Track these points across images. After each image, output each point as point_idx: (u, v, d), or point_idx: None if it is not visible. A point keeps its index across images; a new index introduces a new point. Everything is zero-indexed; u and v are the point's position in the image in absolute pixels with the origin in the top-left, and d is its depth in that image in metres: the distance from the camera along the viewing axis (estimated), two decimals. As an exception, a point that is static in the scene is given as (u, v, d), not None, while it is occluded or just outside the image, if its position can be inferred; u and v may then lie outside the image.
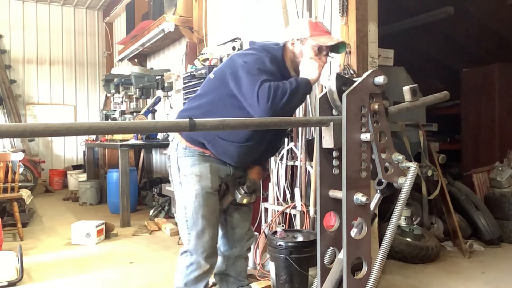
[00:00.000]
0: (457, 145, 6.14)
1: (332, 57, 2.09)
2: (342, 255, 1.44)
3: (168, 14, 5.39)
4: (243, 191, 2.18)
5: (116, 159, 5.98)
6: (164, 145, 5.26)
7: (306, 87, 1.91)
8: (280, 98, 1.80)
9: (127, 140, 5.36)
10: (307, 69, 1.96)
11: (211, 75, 2.11)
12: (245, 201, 2.19)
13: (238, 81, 1.91)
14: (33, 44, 8.63)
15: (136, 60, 7.41)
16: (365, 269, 1.42)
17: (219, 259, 2.33)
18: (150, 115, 5.56)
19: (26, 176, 6.92)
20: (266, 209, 3.40)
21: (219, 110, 1.97)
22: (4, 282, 2.99)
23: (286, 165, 3.37)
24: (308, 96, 3.24)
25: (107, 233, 4.37)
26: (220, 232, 2.31)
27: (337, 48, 2.01)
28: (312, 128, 3.01)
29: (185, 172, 2.08)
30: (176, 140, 2.14)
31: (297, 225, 3.13)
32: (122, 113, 5.91)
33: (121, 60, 7.64)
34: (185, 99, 4.54)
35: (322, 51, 1.97)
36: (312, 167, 3.12)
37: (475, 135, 5.81)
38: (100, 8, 9.30)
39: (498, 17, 5.76)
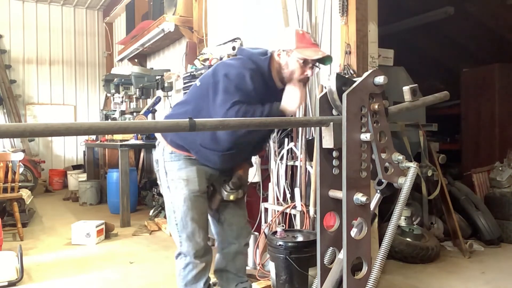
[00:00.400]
0: (457, 145, 6.13)
1: (319, 68, 2.08)
2: (342, 255, 1.44)
3: (168, 14, 5.39)
4: (228, 188, 2.19)
5: (116, 159, 5.98)
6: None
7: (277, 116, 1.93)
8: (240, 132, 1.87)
9: (127, 140, 5.36)
10: (289, 98, 1.97)
11: (197, 82, 2.12)
12: (231, 197, 2.20)
13: (214, 95, 1.95)
14: (33, 44, 8.63)
15: (136, 60, 7.41)
16: (365, 269, 1.42)
17: (219, 256, 2.36)
18: (150, 115, 5.56)
19: (26, 176, 6.92)
20: (266, 209, 3.40)
21: (204, 117, 1.97)
22: (4, 282, 2.99)
23: (286, 165, 3.37)
24: (308, 96, 3.24)
25: (107, 233, 4.37)
26: (218, 230, 2.34)
27: (322, 60, 2.00)
28: (312, 128, 3.01)
29: (173, 177, 2.10)
30: (162, 144, 2.16)
31: (297, 225, 3.13)
32: (122, 113, 5.91)
33: (121, 60, 7.64)
34: (185, 99, 4.53)
35: (308, 64, 1.97)
36: (312, 167, 3.12)
37: (475, 135, 5.81)
38: (100, 8, 9.30)
39: (498, 17, 5.76)
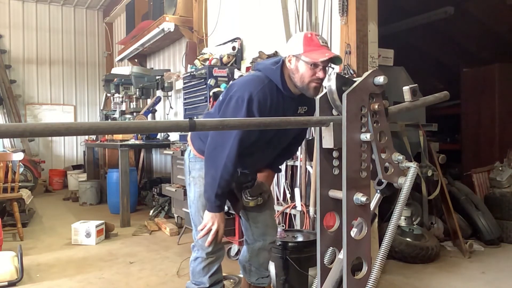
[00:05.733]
0: (457, 145, 6.13)
1: (333, 68, 2.09)
2: (342, 255, 1.44)
3: (168, 14, 5.39)
4: (248, 195, 2.26)
5: (116, 159, 5.98)
6: (164, 145, 5.26)
7: (210, 195, 2.01)
8: (213, 160, 1.98)
9: (127, 140, 5.36)
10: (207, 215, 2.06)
11: (220, 97, 2.19)
12: (251, 204, 2.27)
13: (222, 114, 2.03)
14: (33, 44, 8.63)
15: (136, 60, 7.41)
16: (365, 269, 1.42)
17: (244, 249, 2.45)
18: (150, 115, 5.56)
19: (26, 176, 6.92)
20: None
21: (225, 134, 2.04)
22: (4, 282, 2.99)
23: (286, 165, 3.37)
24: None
25: (107, 233, 4.37)
26: (245, 226, 2.43)
27: (333, 60, 2.00)
28: (312, 128, 3.01)
29: (194, 175, 2.25)
30: (189, 148, 2.33)
31: (297, 225, 3.14)
32: (122, 113, 5.91)
33: (121, 60, 7.64)
34: (185, 99, 4.54)
35: (318, 66, 1.97)
36: (312, 167, 3.12)
37: (475, 135, 5.81)
38: (100, 8, 9.30)
39: (498, 17, 5.76)
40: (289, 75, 2.04)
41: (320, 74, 1.97)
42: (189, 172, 2.28)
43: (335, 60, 1.98)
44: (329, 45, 2.74)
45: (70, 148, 8.95)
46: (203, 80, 4.12)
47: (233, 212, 2.50)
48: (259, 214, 2.36)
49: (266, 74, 2.05)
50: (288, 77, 2.04)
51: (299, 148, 3.20)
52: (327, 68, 2.01)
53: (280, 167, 2.52)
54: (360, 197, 1.39)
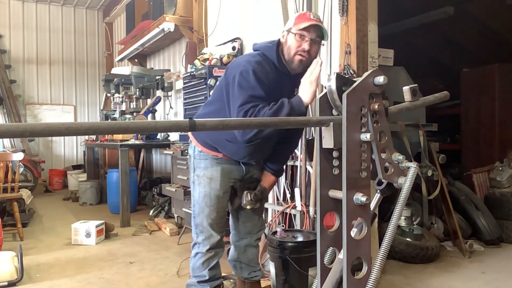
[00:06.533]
0: (457, 145, 6.13)
1: (323, 44, 2.13)
2: (342, 255, 1.44)
3: (168, 14, 5.39)
4: (249, 198, 2.27)
5: (116, 159, 5.98)
6: (164, 145, 5.26)
7: (291, 110, 1.89)
8: (251, 131, 1.91)
9: (127, 140, 5.36)
10: (303, 91, 1.96)
11: (218, 83, 2.22)
12: (248, 207, 2.30)
13: (227, 97, 2.05)
14: (33, 44, 8.62)
15: (136, 60, 7.41)
16: (365, 269, 1.42)
17: (232, 248, 2.50)
18: (150, 115, 5.56)
19: (26, 176, 6.92)
20: (266, 209, 3.40)
21: (225, 117, 2.04)
22: (4, 282, 2.99)
23: (286, 165, 3.37)
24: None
25: (107, 233, 4.37)
26: (233, 225, 2.47)
27: (322, 35, 2.04)
28: (312, 128, 3.01)
29: (199, 173, 2.26)
30: (193, 143, 2.31)
31: (297, 225, 3.13)
32: (122, 113, 5.91)
33: (121, 60, 7.64)
34: (185, 99, 4.54)
35: (304, 38, 2.01)
36: (312, 167, 3.12)
37: (475, 135, 5.80)
38: (100, 8, 9.30)
39: (498, 17, 5.76)
40: (282, 50, 2.09)
41: (305, 45, 2.01)
42: (194, 170, 2.28)
43: (323, 34, 2.02)
44: (328, 45, 2.74)
45: (70, 148, 8.95)
46: (203, 80, 4.12)
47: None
48: (251, 214, 2.40)
49: (262, 52, 2.10)
50: (281, 53, 2.09)
51: (299, 148, 3.20)
52: (318, 46, 2.05)
53: (283, 168, 2.52)
54: (360, 197, 1.39)
